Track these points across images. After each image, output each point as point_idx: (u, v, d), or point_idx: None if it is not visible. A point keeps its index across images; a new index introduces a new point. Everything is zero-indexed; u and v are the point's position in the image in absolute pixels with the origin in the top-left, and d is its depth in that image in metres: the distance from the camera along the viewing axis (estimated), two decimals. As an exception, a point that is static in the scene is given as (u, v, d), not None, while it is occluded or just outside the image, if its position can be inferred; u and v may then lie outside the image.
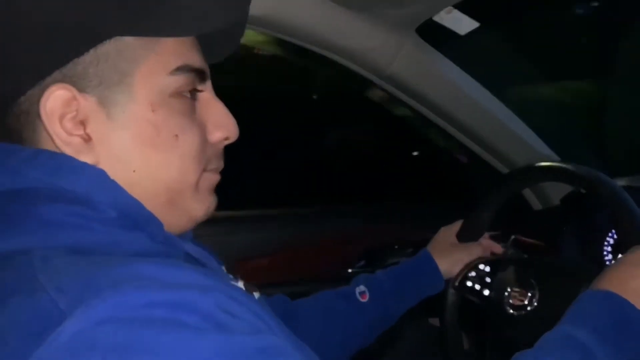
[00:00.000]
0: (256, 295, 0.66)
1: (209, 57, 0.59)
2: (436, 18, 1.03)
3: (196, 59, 0.56)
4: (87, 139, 0.52)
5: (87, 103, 0.51)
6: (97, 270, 0.42)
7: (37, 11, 0.50)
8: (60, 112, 0.50)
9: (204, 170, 0.58)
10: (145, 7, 0.52)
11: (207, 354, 0.39)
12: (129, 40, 0.52)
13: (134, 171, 0.53)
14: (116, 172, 0.52)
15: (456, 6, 1.00)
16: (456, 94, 1.19)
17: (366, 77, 1.15)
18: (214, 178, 0.61)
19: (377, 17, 1.04)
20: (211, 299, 0.42)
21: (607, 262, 1.24)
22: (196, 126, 0.56)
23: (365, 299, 0.97)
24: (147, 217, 0.54)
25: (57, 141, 0.51)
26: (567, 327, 0.64)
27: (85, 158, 0.52)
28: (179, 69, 0.54)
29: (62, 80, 0.51)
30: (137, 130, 0.53)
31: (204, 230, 1.16)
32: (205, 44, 0.59)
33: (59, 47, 0.50)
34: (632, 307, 0.64)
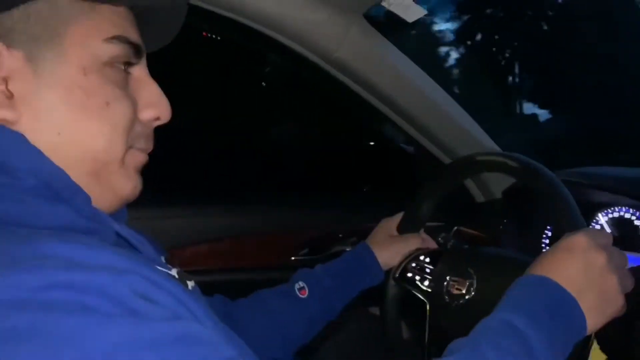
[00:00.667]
0: (190, 284, 0.63)
1: (148, 43, 0.59)
2: (384, 4, 1.02)
3: (132, 33, 0.56)
4: (9, 96, 0.49)
5: (12, 58, 0.49)
6: None
7: None
8: None
9: (131, 147, 0.56)
10: None
11: (115, 340, 0.36)
12: (62, 0, 0.51)
13: (58, 134, 0.51)
14: (38, 134, 0.50)
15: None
16: (401, 82, 1.18)
17: (312, 61, 1.12)
18: (140, 157, 0.59)
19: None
20: (125, 283, 0.39)
21: (544, 254, 1.27)
22: (128, 99, 0.55)
23: (304, 295, 0.96)
24: (71, 187, 0.50)
25: None
26: (503, 313, 0.64)
27: (5, 114, 0.49)
28: (115, 38, 0.53)
29: None
30: (66, 92, 0.51)
31: (141, 213, 1.13)
32: (144, 27, 0.58)
33: None
34: (565, 291, 0.65)
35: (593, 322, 0.65)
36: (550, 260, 0.69)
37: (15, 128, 0.50)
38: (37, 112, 0.50)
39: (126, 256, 0.42)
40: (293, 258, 1.38)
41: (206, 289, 0.66)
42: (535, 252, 1.25)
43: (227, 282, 1.27)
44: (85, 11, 0.52)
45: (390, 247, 1.04)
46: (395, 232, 1.08)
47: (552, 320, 0.63)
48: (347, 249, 1.30)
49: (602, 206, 1.17)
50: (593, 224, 1.17)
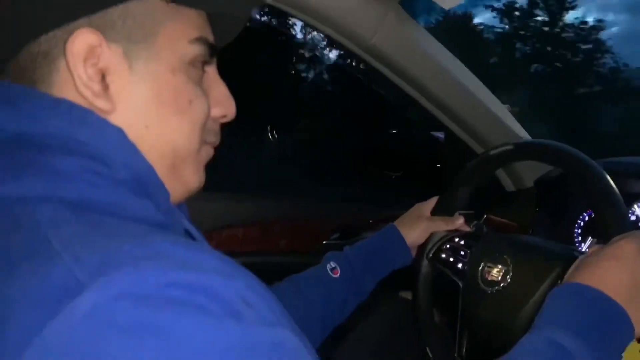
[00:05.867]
0: None
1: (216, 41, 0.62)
2: (421, -10, 1.02)
3: (210, 35, 0.59)
4: (105, 88, 0.52)
5: (111, 52, 0.52)
6: (116, 243, 0.41)
7: None
8: (85, 55, 0.51)
9: (205, 142, 0.60)
10: None
11: (223, 343, 0.38)
12: (156, 2, 0.54)
13: (146, 127, 0.54)
14: (129, 125, 0.53)
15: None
16: (437, 70, 1.18)
17: (347, 47, 1.13)
18: (210, 151, 0.63)
19: (362, -15, 1.02)
20: (232, 287, 0.40)
21: (577, 244, 1.27)
22: (205, 98, 0.59)
23: (337, 275, 0.98)
24: (158, 184, 0.54)
25: (78, 83, 0.51)
26: (548, 331, 0.62)
27: (102, 104, 0.52)
28: (198, 40, 0.56)
29: (90, 25, 0.51)
30: (157, 89, 0.54)
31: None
32: (213, 27, 0.61)
33: None
34: (613, 303, 0.63)
35: None
36: (596, 268, 0.67)
37: (109, 118, 0.52)
38: (129, 105, 0.53)
39: (229, 261, 0.44)
40: (325, 242, 1.40)
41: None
42: (567, 241, 1.26)
43: (260, 264, 1.30)
44: (174, 14, 0.55)
45: (417, 226, 1.05)
46: (426, 215, 1.08)
47: (600, 336, 0.61)
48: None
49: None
50: (629, 215, 1.16)
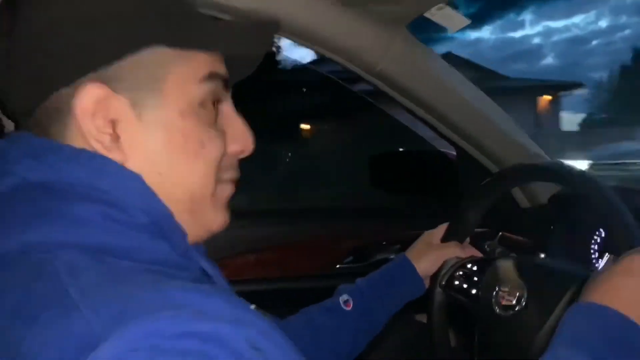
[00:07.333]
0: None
1: (231, 76, 0.62)
2: (427, 14, 1.02)
3: (221, 68, 0.59)
4: (116, 139, 0.53)
5: (119, 103, 0.53)
6: (131, 292, 0.42)
7: (83, 14, 0.52)
8: (93, 109, 0.51)
9: (220, 180, 0.60)
10: (184, 21, 0.56)
11: None
12: (162, 49, 0.54)
13: (159, 174, 0.54)
14: (143, 172, 0.53)
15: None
16: (447, 91, 1.18)
17: (356, 73, 1.14)
18: (229, 189, 0.63)
19: (369, 13, 1.03)
20: (242, 334, 0.41)
21: (594, 261, 1.25)
22: (220, 137, 0.58)
23: (349, 308, 0.97)
24: (174, 227, 0.55)
25: (89, 137, 0.52)
26: (564, 351, 0.62)
27: (114, 156, 0.53)
28: (208, 77, 0.56)
29: (97, 79, 0.52)
30: (167, 135, 0.54)
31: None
32: (228, 63, 0.61)
33: (99, 49, 0.52)
34: (627, 320, 0.62)
35: None
36: (608, 285, 0.67)
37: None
38: (141, 154, 0.54)
39: (241, 305, 0.45)
40: (338, 266, 1.40)
41: (254, 298, 0.69)
42: (583, 258, 1.24)
43: (274, 290, 1.30)
44: (182, 58, 0.55)
45: (428, 255, 1.04)
46: (436, 242, 1.08)
47: (615, 354, 0.61)
48: (391, 257, 1.31)
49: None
50: (642, 230, 1.15)
